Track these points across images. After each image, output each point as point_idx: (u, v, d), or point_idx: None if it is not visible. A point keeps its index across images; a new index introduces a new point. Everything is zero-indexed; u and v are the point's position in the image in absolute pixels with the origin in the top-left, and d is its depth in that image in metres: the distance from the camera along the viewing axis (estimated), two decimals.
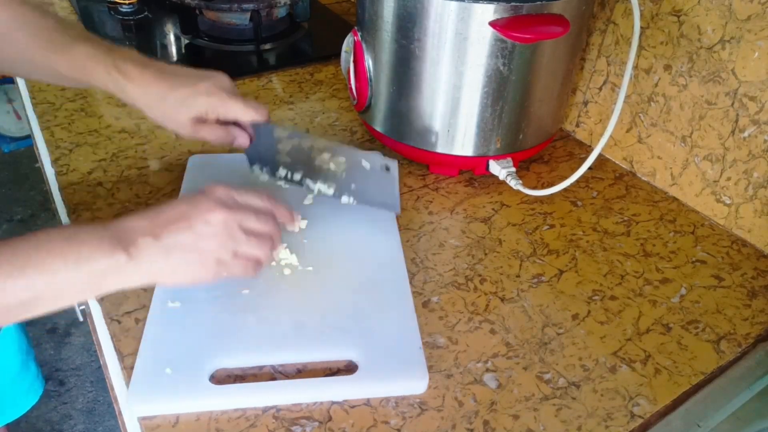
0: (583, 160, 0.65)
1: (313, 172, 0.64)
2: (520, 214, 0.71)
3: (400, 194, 0.72)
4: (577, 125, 0.85)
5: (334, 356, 0.52)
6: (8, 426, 1.01)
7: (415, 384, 0.50)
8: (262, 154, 0.64)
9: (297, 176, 0.64)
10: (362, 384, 0.50)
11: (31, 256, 0.42)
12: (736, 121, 0.65)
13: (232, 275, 0.49)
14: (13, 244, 0.42)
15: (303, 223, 0.63)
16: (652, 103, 0.74)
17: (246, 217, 0.48)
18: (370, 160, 0.65)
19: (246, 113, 0.59)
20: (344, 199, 0.64)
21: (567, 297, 0.60)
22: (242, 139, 0.61)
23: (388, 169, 0.65)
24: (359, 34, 0.72)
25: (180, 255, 0.46)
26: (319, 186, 0.63)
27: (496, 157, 0.71)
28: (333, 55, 1.00)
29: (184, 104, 0.56)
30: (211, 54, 1.03)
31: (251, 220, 0.49)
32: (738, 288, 0.63)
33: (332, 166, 0.64)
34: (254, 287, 0.57)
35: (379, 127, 0.74)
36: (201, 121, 0.58)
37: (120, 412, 0.50)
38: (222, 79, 0.59)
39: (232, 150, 0.77)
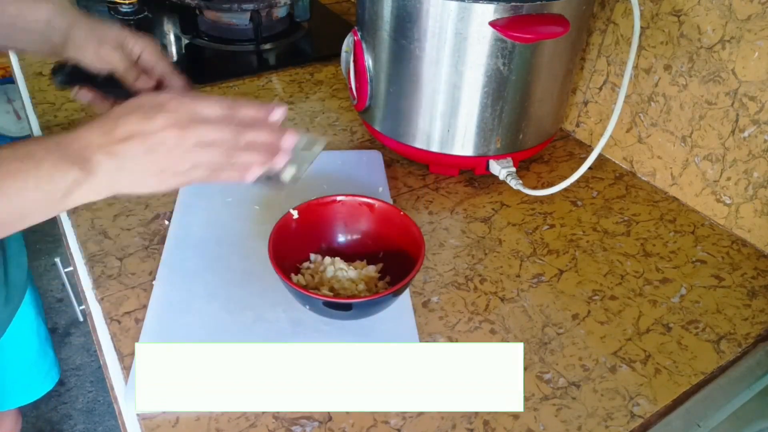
0: (583, 160, 0.65)
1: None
2: (520, 214, 0.71)
3: (400, 194, 0.72)
4: (577, 125, 0.85)
5: None
6: (21, 408, 1.01)
7: None
8: None
9: None
10: None
11: None
12: (736, 121, 0.65)
13: (207, 181, 0.48)
14: None
15: (290, 171, 0.52)
16: (652, 103, 0.74)
17: (202, 131, 0.46)
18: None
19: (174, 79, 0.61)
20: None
21: (567, 297, 0.60)
22: None
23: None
24: (359, 34, 0.72)
25: (138, 169, 0.45)
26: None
27: (496, 157, 0.71)
28: (333, 55, 1.00)
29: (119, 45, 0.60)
30: (211, 54, 1.03)
31: (209, 132, 0.47)
32: (738, 288, 0.63)
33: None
34: (252, 285, 0.57)
35: (379, 127, 0.74)
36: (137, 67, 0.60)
37: (120, 412, 0.50)
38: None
39: None
